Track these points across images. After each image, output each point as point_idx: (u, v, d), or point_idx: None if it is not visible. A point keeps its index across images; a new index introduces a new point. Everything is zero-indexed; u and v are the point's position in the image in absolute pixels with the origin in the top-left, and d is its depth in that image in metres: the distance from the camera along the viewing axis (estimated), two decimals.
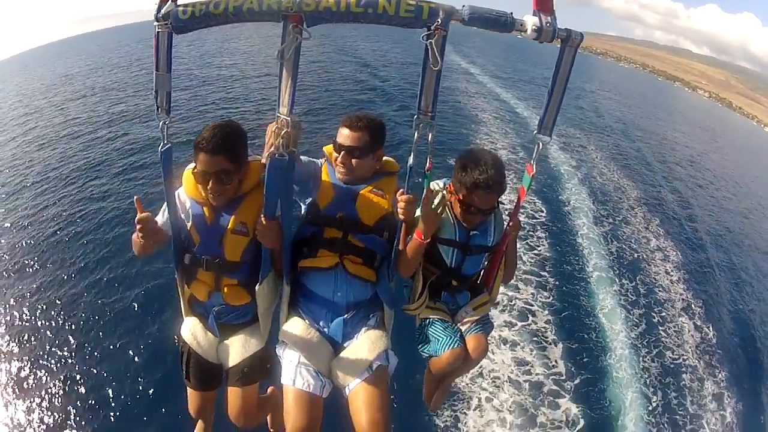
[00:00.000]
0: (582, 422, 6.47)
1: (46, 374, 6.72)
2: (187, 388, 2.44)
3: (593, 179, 15.12)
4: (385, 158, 2.33)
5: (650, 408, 7.34)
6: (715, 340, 9.29)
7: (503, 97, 25.67)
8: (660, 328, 9.08)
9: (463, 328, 2.49)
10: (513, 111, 22.54)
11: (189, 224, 2.17)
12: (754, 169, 32.31)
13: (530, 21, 1.68)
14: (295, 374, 2.03)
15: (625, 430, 6.82)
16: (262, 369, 2.31)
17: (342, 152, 2.16)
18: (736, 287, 11.80)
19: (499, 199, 2.32)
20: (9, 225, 10.39)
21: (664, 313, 9.51)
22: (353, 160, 2.18)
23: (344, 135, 2.17)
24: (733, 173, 25.99)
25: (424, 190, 2.05)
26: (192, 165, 2.12)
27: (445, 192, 2.30)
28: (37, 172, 13.10)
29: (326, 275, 2.18)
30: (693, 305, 10.07)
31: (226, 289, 2.21)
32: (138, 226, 1.99)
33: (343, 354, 2.14)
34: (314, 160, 2.30)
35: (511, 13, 1.69)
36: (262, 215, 2.02)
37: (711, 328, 9.57)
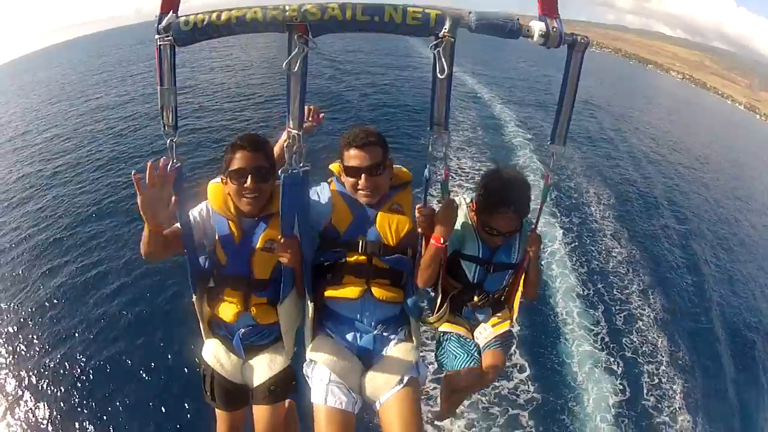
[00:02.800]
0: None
1: (59, 405, 7.29)
2: (215, 409, 2.56)
3: (545, 149, 18.51)
4: (394, 166, 2.40)
5: (584, 294, 10.50)
6: (638, 256, 12.67)
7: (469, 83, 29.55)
8: (592, 247, 12.49)
9: (482, 344, 2.67)
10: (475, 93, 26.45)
11: (214, 243, 2.28)
12: (708, 136, 37.47)
13: (537, 26, 1.79)
14: (326, 392, 2.14)
15: (558, 306, 9.98)
16: (288, 386, 2.45)
17: (362, 174, 2.22)
18: (658, 219, 15.68)
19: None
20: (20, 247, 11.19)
21: (595, 237, 13.03)
22: (377, 179, 2.25)
23: (359, 156, 2.21)
24: (678, 136, 30.64)
25: (444, 198, 2.16)
26: (216, 180, 2.31)
27: (466, 207, 2.55)
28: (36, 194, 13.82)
29: (354, 302, 2.31)
30: (619, 232, 13.60)
31: (255, 309, 2.33)
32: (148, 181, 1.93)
33: (373, 369, 2.29)
34: (319, 186, 2.38)
35: (518, 19, 1.79)
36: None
37: (636, 247, 13.04)
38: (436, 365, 2.84)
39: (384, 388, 2.22)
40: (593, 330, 9.69)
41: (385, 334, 2.36)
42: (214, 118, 19.54)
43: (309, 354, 2.33)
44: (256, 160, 2.19)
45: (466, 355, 2.60)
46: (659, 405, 8.42)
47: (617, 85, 53.88)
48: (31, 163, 16.60)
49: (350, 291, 2.28)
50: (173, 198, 2.06)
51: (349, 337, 2.36)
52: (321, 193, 2.37)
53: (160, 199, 1.99)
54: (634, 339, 9.74)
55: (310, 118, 2.41)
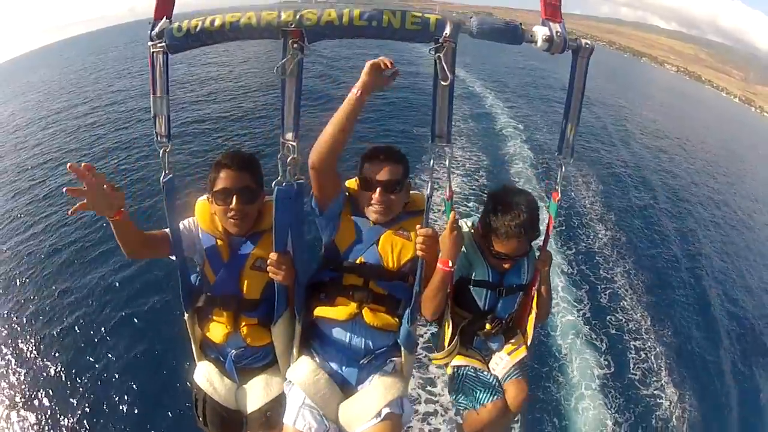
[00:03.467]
0: None
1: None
2: None
3: (534, 140, 19.09)
4: (413, 192, 2.33)
5: (568, 272, 11.03)
6: (624, 239, 13.23)
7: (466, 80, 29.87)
8: (579, 231, 13.06)
9: (501, 375, 2.52)
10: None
11: (202, 262, 2.22)
12: (702, 129, 38.15)
13: (540, 32, 1.75)
14: (297, 415, 2.09)
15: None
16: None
17: (378, 189, 2.14)
18: (643, 205, 16.21)
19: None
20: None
21: (584, 220, 13.64)
22: (392, 197, 2.17)
23: (379, 169, 2.15)
24: (671, 128, 31.13)
25: (450, 217, 2.04)
26: (204, 196, 2.24)
27: (469, 230, 2.44)
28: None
29: (343, 325, 2.21)
30: (605, 217, 14.16)
31: (245, 330, 2.25)
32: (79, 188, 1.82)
33: (352, 398, 2.19)
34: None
35: (521, 24, 1.76)
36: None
37: (622, 232, 13.58)
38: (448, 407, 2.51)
39: (359, 420, 2.12)
40: (577, 306, 10.02)
41: (373, 363, 2.26)
42: (212, 111, 19.85)
43: (288, 374, 2.26)
44: (242, 180, 2.15)
45: (487, 390, 2.46)
46: (646, 379, 8.65)
47: (611, 78, 54.28)
48: (33, 156, 17.01)
49: (340, 312, 2.18)
50: (107, 185, 1.91)
51: (334, 361, 2.27)
52: (335, 211, 2.27)
53: (99, 193, 1.88)
54: (620, 317, 10.04)
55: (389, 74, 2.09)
